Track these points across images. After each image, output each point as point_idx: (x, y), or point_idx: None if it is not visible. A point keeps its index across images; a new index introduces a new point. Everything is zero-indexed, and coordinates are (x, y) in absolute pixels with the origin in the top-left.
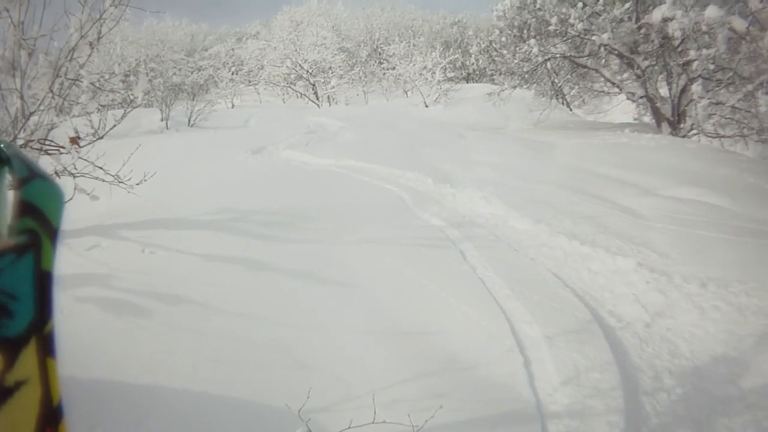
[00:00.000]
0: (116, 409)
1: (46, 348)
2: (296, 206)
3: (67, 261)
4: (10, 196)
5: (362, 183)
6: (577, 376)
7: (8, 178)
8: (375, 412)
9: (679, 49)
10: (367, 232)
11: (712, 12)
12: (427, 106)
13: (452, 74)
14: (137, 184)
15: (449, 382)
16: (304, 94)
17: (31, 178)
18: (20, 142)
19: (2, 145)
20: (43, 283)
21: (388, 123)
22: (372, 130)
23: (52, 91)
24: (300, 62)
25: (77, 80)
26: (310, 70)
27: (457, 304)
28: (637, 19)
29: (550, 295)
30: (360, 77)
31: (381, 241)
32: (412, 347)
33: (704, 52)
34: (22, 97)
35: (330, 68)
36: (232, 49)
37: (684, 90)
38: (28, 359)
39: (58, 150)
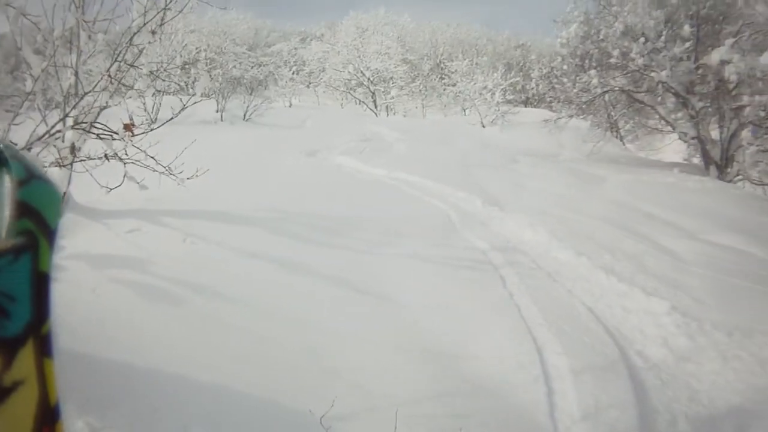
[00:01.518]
0: (135, 393)
1: (44, 349)
2: (343, 213)
3: (105, 241)
4: (8, 197)
5: (412, 197)
6: (596, 412)
7: (6, 179)
8: (395, 427)
9: (733, 93)
10: (412, 247)
11: (766, 59)
12: (483, 127)
13: (511, 97)
14: (188, 179)
15: (472, 405)
16: (363, 102)
17: (29, 180)
18: (69, 121)
19: (0, 146)
20: (40, 284)
21: (443, 139)
22: (427, 145)
23: (109, 75)
24: (362, 69)
25: (136, 66)
26: (371, 78)
27: (490, 328)
28: (696, 59)
29: (581, 329)
30: (420, 90)
31: (424, 257)
32: (440, 367)
33: (757, 98)
34: (76, 74)
35: (391, 78)
36: (295, 49)
37: (734, 135)
38: (26, 360)
39: (110, 136)
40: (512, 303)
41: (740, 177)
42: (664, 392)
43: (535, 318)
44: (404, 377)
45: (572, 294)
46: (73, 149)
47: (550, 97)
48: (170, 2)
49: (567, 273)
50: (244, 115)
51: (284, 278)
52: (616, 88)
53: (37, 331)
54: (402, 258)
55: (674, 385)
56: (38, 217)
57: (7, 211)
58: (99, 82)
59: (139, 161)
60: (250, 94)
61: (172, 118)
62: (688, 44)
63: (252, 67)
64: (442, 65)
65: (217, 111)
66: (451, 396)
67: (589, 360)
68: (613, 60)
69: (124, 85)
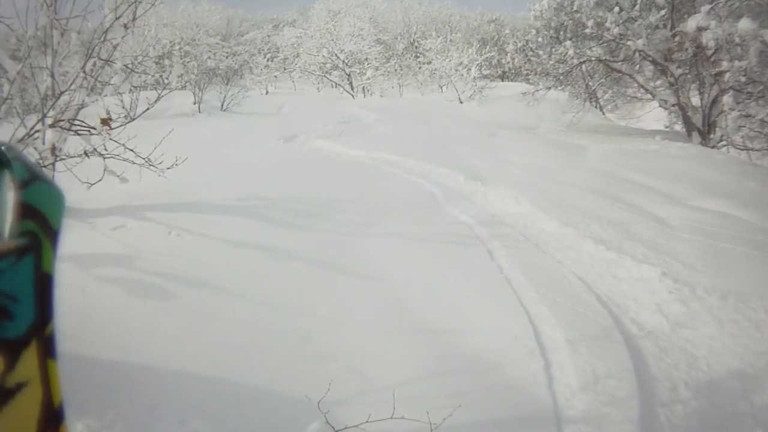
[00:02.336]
0: (132, 392)
1: (47, 350)
2: (325, 196)
3: (91, 240)
4: (11, 198)
5: (393, 176)
6: (595, 382)
7: (9, 180)
8: (394, 408)
9: (712, 59)
10: (396, 226)
11: (745, 24)
12: (461, 103)
13: (488, 72)
14: (168, 168)
15: (469, 382)
16: (339, 84)
17: (31, 181)
18: (49, 120)
19: (3, 148)
20: (43, 285)
21: (421, 117)
22: (406, 124)
23: (84, 71)
24: (336, 52)
25: (110, 61)
26: (346, 61)
27: (482, 303)
28: (672, 27)
29: (574, 299)
30: (396, 70)
31: (409, 235)
32: (434, 344)
33: (736, 63)
34: (52, 75)
35: (366, 59)
36: (268, 36)
37: (715, 100)
38: (29, 361)
39: (88, 131)
40: (502, 276)
41: (723, 142)
42: (662, 359)
43: (526, 290)
44: (399, 358)
45: (562, 264)
46: (54, 150)
47: (527, 70)
48: None
49: (554, 244)
50: (222, 106)
51: (271, 266)
52: (593, 58)
53: (40, 332)
54: (387, 237)
55: (672, 351)
56: (41, 218)
57: (10, 213)
58: (75, 79)
59: (118, 155)
60: (227, 84)
61: (148, 109)
62: (663, 12)
63: (226, 57)
64: (416, 44)
65: (195, 103)
66: (447, 374)
67: (584, 330)
68: (588, 30)
69: (100, 81)
